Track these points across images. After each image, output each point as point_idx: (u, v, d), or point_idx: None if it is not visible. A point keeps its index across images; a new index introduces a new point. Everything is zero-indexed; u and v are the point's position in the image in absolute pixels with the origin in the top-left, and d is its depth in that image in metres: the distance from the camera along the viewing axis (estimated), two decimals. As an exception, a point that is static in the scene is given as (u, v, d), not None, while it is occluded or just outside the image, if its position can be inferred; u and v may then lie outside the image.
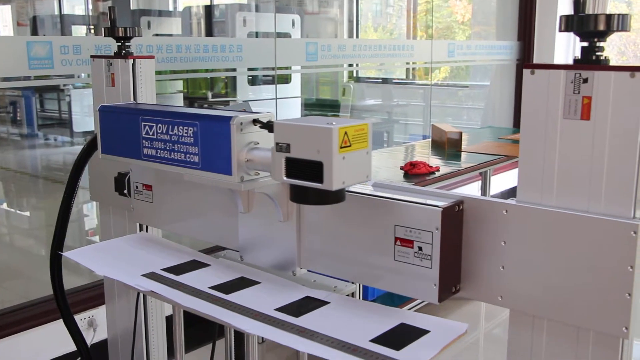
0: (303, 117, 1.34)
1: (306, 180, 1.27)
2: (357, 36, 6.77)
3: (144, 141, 1.65)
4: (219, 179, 1.48)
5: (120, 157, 1.74)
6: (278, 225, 1.58)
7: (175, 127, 1.56)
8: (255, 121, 1.45)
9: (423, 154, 4.38)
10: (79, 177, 2.02)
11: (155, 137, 1.62)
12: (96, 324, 3.08)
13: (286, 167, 1.30)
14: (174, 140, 1.57)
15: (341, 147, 1.23)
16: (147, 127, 1.63)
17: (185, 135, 1.54)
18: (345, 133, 1.24)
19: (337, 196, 1.30)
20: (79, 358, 2.19)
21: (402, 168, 3.63)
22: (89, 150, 1.97)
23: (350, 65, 5.31)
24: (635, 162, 1.14)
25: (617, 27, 1.15)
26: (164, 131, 1.59)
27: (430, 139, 4.75)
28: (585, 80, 1.17)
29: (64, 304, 2.07)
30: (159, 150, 1.62)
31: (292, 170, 1.29)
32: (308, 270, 1.59)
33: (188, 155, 1.54)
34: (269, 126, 1.41)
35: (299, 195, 1.33)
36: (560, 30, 1.21)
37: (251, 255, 1.67)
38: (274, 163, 1.33)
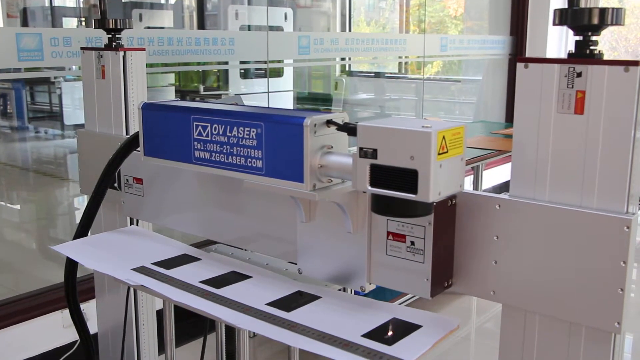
0: (388, 118, 1.23)
1: (396, 190, 1.15)
2: (350, 30, 6.75)
3: (195, 143, 1.49)
4: (288, 186, 1.32)
5: (166, 160, 1.58)
6: (344, 237, 1.42)
7: (235, 127, 1.40)
8: (329, 122, 1.30)
9: (415, 148, 4.37)
10: (111, 177, 1.86)
11: (209, 138, 1.46)
12: (86, 318, 3.05)
13: (371, 175, 1.18)
14: (232, 142, 1.41)
15: (439, 154, 1.12)
16: (199, 128, 1.48)
17: (247, 137, 1.38)
18: (444, 137, 1.13)
19: (429, 208, 1.20)
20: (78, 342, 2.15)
21: (394, 162, 3.62)
22: (127, 149, 1.79)
23: (343, 59, 5.30)
24: (629, 157, 1.13)
25: (612, 21, 1.14)
26: (221, 132, 1.43)
27: (422, 134, 4.73)
28: (579, 75, 1.16)
29: (73, 294, 2.03)
30: (214, 154, 1.46)
31: (378, 179, 1.17)
32: (377, 286, 1.45)
33: (250, 159, 1.39)
34: (348, 129, 1.28)
35: (384, 207, 1.22)
36: (554, 24, 1.20)
37: (311, 268, 1.52)
38: (356, 170, 1.20)
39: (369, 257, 1.40)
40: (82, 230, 1.88)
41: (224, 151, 1.44)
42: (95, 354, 2.16)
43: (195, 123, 1.49)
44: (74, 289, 2.01)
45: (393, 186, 1.15)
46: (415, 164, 1.12)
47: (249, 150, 1.39)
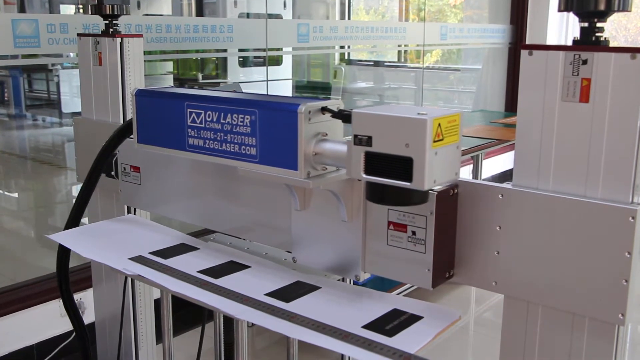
0: (383, 105, 1.21)
1: (390, 177, 1.13)
2: (349, 18, 6.71)
3: (189, 130, 1.48)
4: (282, 174, 1.31)
5: (159, 147, 1.56)
6: (340, 225, 1.41)
7: (229, 114, 1.38)
8: (324, 109, 1.29)
9: (415, 137, 4.35)
10: (103, 165, 1.84)
11: (203, 125, 1.44)
12: (84, 307, 3.05)
13: (366, 163, 1.16)
14: (226, 129, 1.40)
15: (434, 141, 1.10)
16: (193, 115, 1.46)
17: (241, 124, 1.36)
18: (439, 125, 1.11)
19: (424, 196, 1.19)
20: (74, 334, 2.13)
21: (393, 151, 3.60)
22: (120, 136, 1.77)
23: (342, 47, 5.27)
24: (635, 146, 1.11)
25: (618, 7, 1.12)
26: (215, 119, 1.41)
27: (422, 123, 4.72)
28: (585, 62, 1.14)
29: (65, 283, 2.02)
30: (207, 141, 1.44)
31: (373, 167, 1.16)
32: (375, 276, 1.43)
33: (244, 147, 1.37)
34: (343, 116, 1.26)
35: (379, 195, 1.21)
36: (559, 10, 1.18)
37: (305, 256, 1.52)
38: (350, 158, 1.19)
39: (364, 245, 1.39)
40: (74, 219, 1.86)
41: (218, 138, 1.42)
42: (89, 344, 2.15)
43: (189, 110, 1.47)
44: (66, 279, 1.99)
45: (388, 174, 1.14)
46: (411, 151, 1.11)
47: (243, 137, 1.37)
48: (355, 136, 1.17)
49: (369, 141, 1.15)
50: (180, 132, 1.50)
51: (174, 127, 1.51)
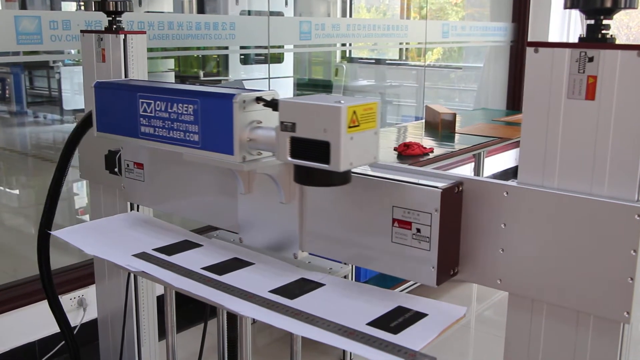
0: (310, 95, 1.30)
1: (312, 160, 1.22)
2: (351, 16, 6.70)
3: (141, 119, 1.58)
4: (220, 158, 1.42)
5: (116, 135, 1.67)
6: (279, 207, 1.52)
7: (175, 104, 1.49)
8: (258, 99, 1.39)
9: (416, 135, 4.35)
10: (71, 156, 1.97)
11: (153, 114, 1.55)
12: (86, 304, 3.06)
13: (291, 147, 1.25)
14: (173, 118, 1.50)
15: (349, 127, 1.18)
16: (144, 105, 1.57)
17: (185, 113, 1.47)
18: (354, 112, 1.19)
19: (343, 178, 1.26)
20: (64, 342, 2.16)
21: (395, 149, 3.60)
22: (82, 127, 1.90)
23: (344, 44, 5.26)
24: (641, 143, 1.11)
25: (625, 4, 1.11)
26: (163, 109, 1.52)
27: (423, 120, 4.72)
28: (591, 59, 1.14)
29: (49, 285, 2.04)
30: (157, 129, 1.55)
31: (297, 151, 1.24)
32: (309, 254, 1.55)
33: (188, 134, 1.48)
34: (273, 104, 1.35)
35: (304, 176, 1.29)
36: (565, 7, 1.17)
37: (250, 237, 1.62)
38: (278, 143, 1.27)
39: (300, 225, 1.50)
40: (49, 213, 2.01)
41: (166, 126, 1.53)
42: (76, 345, 2.16)
43: (141, 100, 1.58)
44: (50, 280, 2.02)
45: (310, 157, 1.22)
46: (328, 136, 1.19)
47: (187, 125, 1.48)
48: (282, 123, 1.26)
49: (293, 127, 1.24)
50: (134, 121, 1.60)
51: (129, 116, 1.62)
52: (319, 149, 1.20)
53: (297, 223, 1.51)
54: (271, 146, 1.35)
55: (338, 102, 1.18)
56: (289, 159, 1.26)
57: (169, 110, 1.51)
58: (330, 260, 1.55)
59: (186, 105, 1.47)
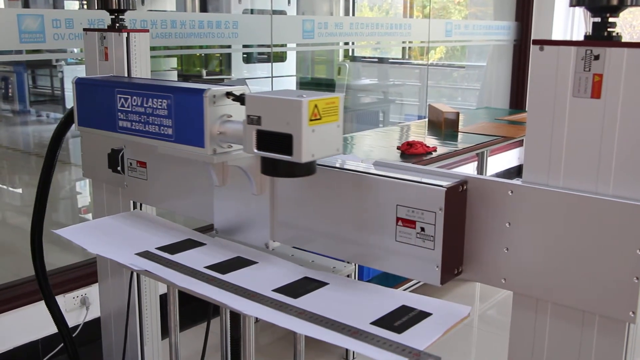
0: (276, 90, 1.33)
1: (276, 152, 1.27)
2: (354, 15, 6.69)
3: (119, 113, 1.65)
4: (192, 151, 1.48)
5: (95, 129, 1.75)
6: (252, 199, 1.59)
7: (150, 99, 1.56)
8: (228, 94, 1.45)
9: (419, 134, 4.34)
10: (57, 152, 2.02)
11: (130, 109, 1.62)
12: (89, 302, 3.05)
13: (257, 140, 1.30)
14: (148, 112, 1.57)
15: (311, 120, 1.23)
16: (122, 100, 1.64)
17: (160, 107, 1.54)
18: (316, 106, 1.24)
19: (306, 169, 1.30)
20: (62, 344, 2.17)
21: (399, 148, 3.60)
22: (65, 124, 1.97)
23: (347, 43, 5.25)
24: (646, 142, 1.10)
25: (632, 2, 1.11)
26: (139, 103, 1.59)
27: (426, 119, 4.71)
28: (597, 57, 1.13)
29: (45, 284, 2.04)
30: (133, 123, 1.62)
31: (262, 143, 1.30)
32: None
33: (162, 127, 1.55)
34: (241, 99, 1.40)
35: (269, 168, 1.34)
36: (571, 5, 1.17)
37: (226, 228, 1.69)
38: (245, 135, 1.33)
39: (272, 216, 1.57)
40: (40, 213, 2.08)
41: (142, 120, 1.60)
42: (74, 344, 2.17)
43: (118, 95, 1.65)
44: (46, 281, 2.03)
45: (274, 149, 1.28)
46: (290, 128, 1.24)
47: (161, 119, 1.55)
48: (248, 116, 1.31)
49: (259, 120, 1.29)
50: (112, 116, 1.68)
51: (107, 111, 1.69)
52: (283, 141, 1.25)
53: (268, 213, 1.57)
54: (240, 139, 1.39)
55: (300, 97, 1.23)
56: (255, 151, 1.31)
57: (145, 105, 1.58)
58: (334, 260, 1.54)
59: (160, 100, 1.54)
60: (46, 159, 2.00)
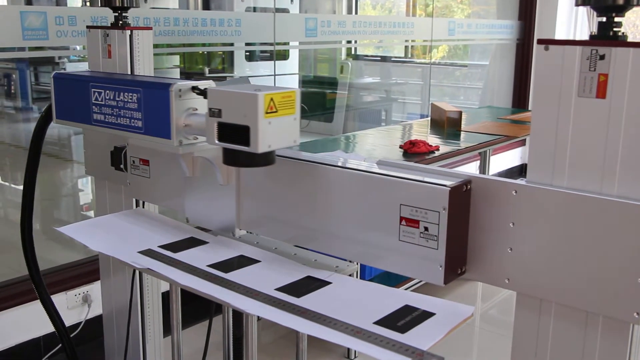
0: (235, 84, 1.40)
1: (236, 143, 1.33)
2: (357, 13, 6.68)
3: (94, 107, 1.74)
4: (160, 142, 1.57)
5: (72, 122, 1.83)
6: (220, 189, 1.66)
7: (121, 93, 1.64)
8: (194, 88, 1.53)
9: (422, 133, 4.34)
10: (40, 146, 2.06)
11: (103, 103, 1.70)
12: (91, 300, 3.05)
13: (218, 131, 1.36)
14: (120, 106, 1.66)
15: (267, 113, 1.29)
16: (96, 94, 1.72)
17: (130, 101, 1.62)
18: (271, 99, 1.30)
19: (264, 159, 1.36)
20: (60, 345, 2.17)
21: (401, 147, 3.59)
22: (45, 120, 2.01)
23: (349, 42, 5.25)
24: (652, 142, 1.10)
25: (637, 1, 1.10)
26: (112, 97, 1.68)
27: (429, 118, 4.70)
28: (602, 57, 1.12)
29: (39, 281, 2.05)
30: (107, 116, 1.70)
31: (223, 134, 1.36)
32: (247, 232, 1.68)
33: (133, 120, 1.63)
34: (204, 93, 1.46)
35: (230, 158, 1.39)
36: (576, 5, 1.16)
37: (196, 217, 1.75)
38: (208, 127, 1.39)
39: (238, 205, 1.64)
40: (28, 210, 2.12)
41: (114, 113, 1.68)
42: (71, 342, 2.16)
43: (93, 90, 1.74)
44: (40, 280, 2.03)
45: (234, 140, 1.34)
46: (247, 120, 1.30)
47: (132, 112, 1.63)
48: (210, 109, 1.38)
49: (219, 113, 1.36)
50: (87, 109, 1.76)
51: (83, 105, 1.77)
52: (241, 133, 1.31)
53: (234, 203, 1.64)
54: (204, 131, 1.45)
55: (257, 90, 1.29)
56: (217, 142, 1.38)
57: (117, 99, 1.66)
58: (337, 259, 1.54)
59: (131, 94, 1.62)
60: (30, 154, 2.04)
